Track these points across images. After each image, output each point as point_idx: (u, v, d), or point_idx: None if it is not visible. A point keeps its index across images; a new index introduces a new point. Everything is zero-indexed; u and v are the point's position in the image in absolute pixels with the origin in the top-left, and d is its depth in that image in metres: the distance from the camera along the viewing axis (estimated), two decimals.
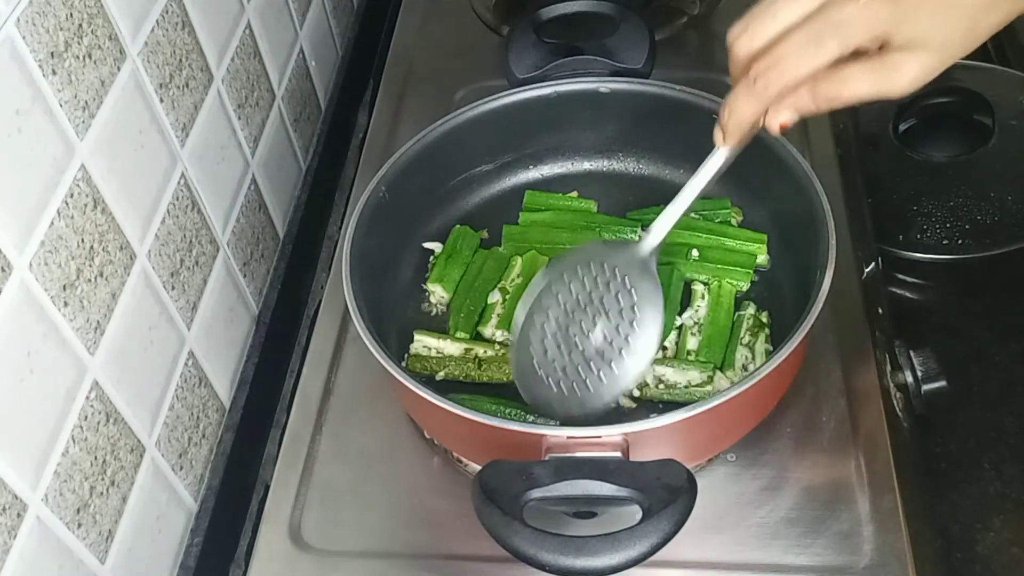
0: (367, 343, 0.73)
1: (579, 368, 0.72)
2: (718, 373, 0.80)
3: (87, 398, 0.68)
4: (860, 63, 0.59)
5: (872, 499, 0.73)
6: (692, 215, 0.90)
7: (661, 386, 0.80)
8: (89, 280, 0.68)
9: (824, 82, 0.60)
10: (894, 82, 0.59)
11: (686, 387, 0.79)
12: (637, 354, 0.71)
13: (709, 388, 0.79)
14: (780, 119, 0.63)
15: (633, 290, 0.73)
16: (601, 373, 0.71)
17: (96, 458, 0.69)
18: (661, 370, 0.80)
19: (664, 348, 0.83)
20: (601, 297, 0.73)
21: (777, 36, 0.60)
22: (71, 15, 0.67)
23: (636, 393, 0.80)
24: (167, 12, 0.80)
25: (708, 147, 0.91)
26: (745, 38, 0.61)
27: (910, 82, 0.60)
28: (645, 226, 0.91)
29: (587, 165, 0.98)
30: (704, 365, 0.80)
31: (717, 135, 0.67)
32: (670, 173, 0.95)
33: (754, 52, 0.61)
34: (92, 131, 0.69)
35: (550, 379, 0.73)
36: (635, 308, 0.72)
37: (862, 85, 0.59)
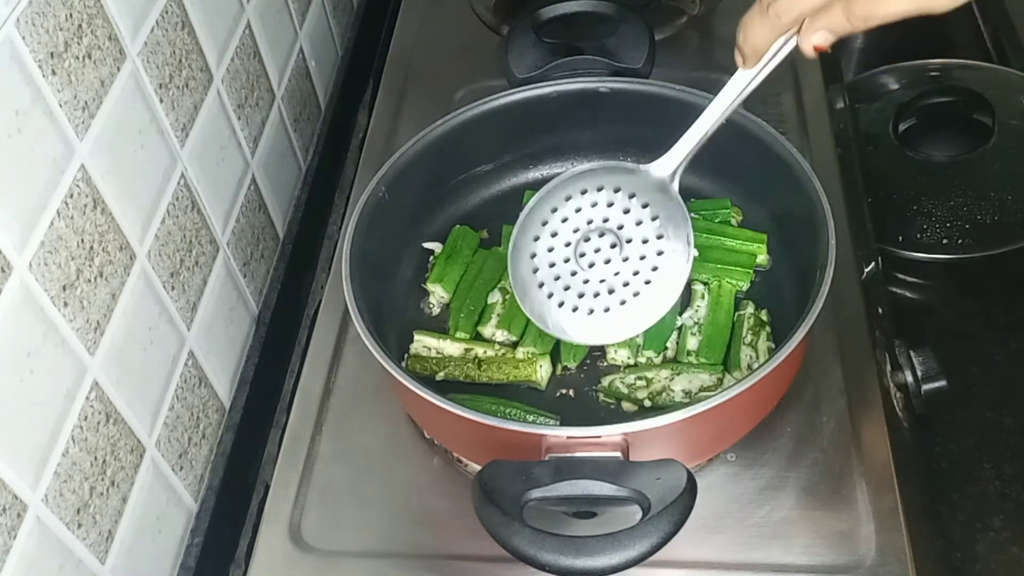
0: (367, 343, 0.73)
1: (597, 294, 0.71)
2: (726, 375, 0.80)
3: (87, 398, 0.68)
4: None
5: (872, 499, 0.73)
6: (692, 215, 0.90)
7: (674, 393, 0.79)
8: (89, 280, 0.68)
9: None
10: None
11: (699, 391, 0.79)
12: (665, 287, 0.70)
13: (715, 389, 0.79)
14: (813, 40, 0.59)
15: (657, 219, 0.71)
16: (624, 303, 0.70)
17: (96, 458, 0.69)
18: (670, 376, 0.80)
19: (665, 348, 0.83)
20: (619, 223, 0.72)
21: None
22: (71, 15, 0.67)
23: (648, 403, 0.80)
24: (167, 12, 0.80)
25: (708, 147, 0.92)
26: None
27: None
28: None
29: (587, 165, 0.97)
30: (713, 368, 0.80)
31: (737, 57, 0.64)
32: None
33: None
34: (92, 131, 0.69)
35: (554, 297, 0.72)
36: (660, 236, 0.71)
37: (901, 3, 0.56)
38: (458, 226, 0.93)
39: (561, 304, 0.73)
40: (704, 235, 0.88)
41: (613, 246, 0.73)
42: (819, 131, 0.98)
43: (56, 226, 0.65)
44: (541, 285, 0.74)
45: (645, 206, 0.72)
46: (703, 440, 0.74)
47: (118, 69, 0.73)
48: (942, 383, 0.80)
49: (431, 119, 0.89)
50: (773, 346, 0.82)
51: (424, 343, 0.84)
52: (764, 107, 0.97)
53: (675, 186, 0.71)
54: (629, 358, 0.82)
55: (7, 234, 0.60)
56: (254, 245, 0.97)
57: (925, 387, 0.80)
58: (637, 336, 0.82)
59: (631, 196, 0.73)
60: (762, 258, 0.87)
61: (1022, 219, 1.04)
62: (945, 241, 1.04)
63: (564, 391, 0.82)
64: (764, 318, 0.83)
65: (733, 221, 0.90)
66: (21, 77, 0.62)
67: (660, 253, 0.72)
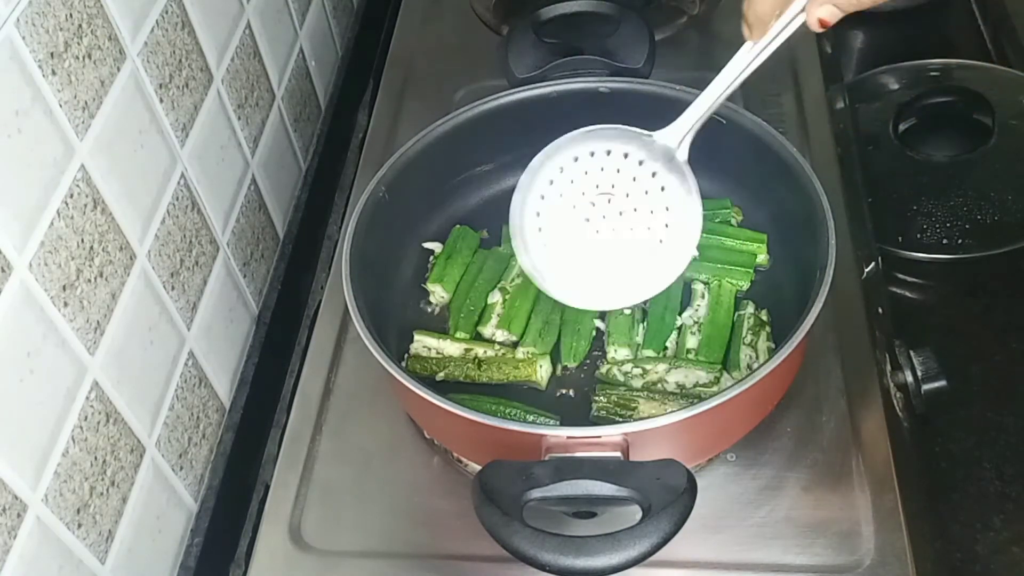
0: (367, 343, 0.73)
1: (600, 259, 0.71)
2: (724, 374, 0.80)
3: (87, 398, 0.68)
4: None
5: (872, 499, 0.73)
6: None
7: (668, 385, 0.80)
8: (89, 280, 0.68)
9: None
10: None
11: (693, 387, 0.79)
12: (669, 259, 0.70)
13: (715, 389, 0.79)
14: (818, 14, 0.59)
15: (665, 189, 0.71)
16: (627, 271, 0.70)
17: (96, 458, 0.69)
18: (667, 370, 0.80)
19: (665, 348, 0.83)
20: (626, 191, 0.71)
21: None
22: (71, 15, 0.67)
23: (643, 392, 0.80)
24: (167, 12, 0.80)
25: (708, 147, 0.92)
26: None
27: None
28: None
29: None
30: (711, 366, 0.80)
31: (744, 29, 0.64)
32: None
33: None
34: (92, 131, 0.69)
35: (556, 257, 0.72)
36: (668, 208, 0.70)
37: None
38: (458, 226, 0.93)
39: (563, 265, 0.72)
40: (704, 235, 0.88)
41: (620, 213, 0.72)
42: (819, 131, 0.98)
43: (56, 226, 0.65)
44: (544, 245, 0.73)
45: (653, 175, 0.72)
46: (703, 440, 0.74)
47: (118, 69, 0.73)
48: (942, 383, 0.80)
49: (431, 119, 0.89)
50: (773, 346, 0.82)
51: (424, 343, 0.84)
52: (764, 107, 0.97)
53: (682, 155, 0.71)
54: (628, 356, 0.82)
55: (7, 234, 0.60)
56: (254, 245, 0.97)
57: (925, 387, 0.80)
58: (636, 336, 0.82)
59: (639, 163, 0.72)
60: (762, 258, 0.87)
61: (1022, 219, 1.04)
62: (945, 241, 1.04)
63: (564, 391, 0.82)
64: (764, 318, 0.83)
65: (733, 221, 0.90)
66: (21, 77, 0.62)
67: (666, 225, 0.71)
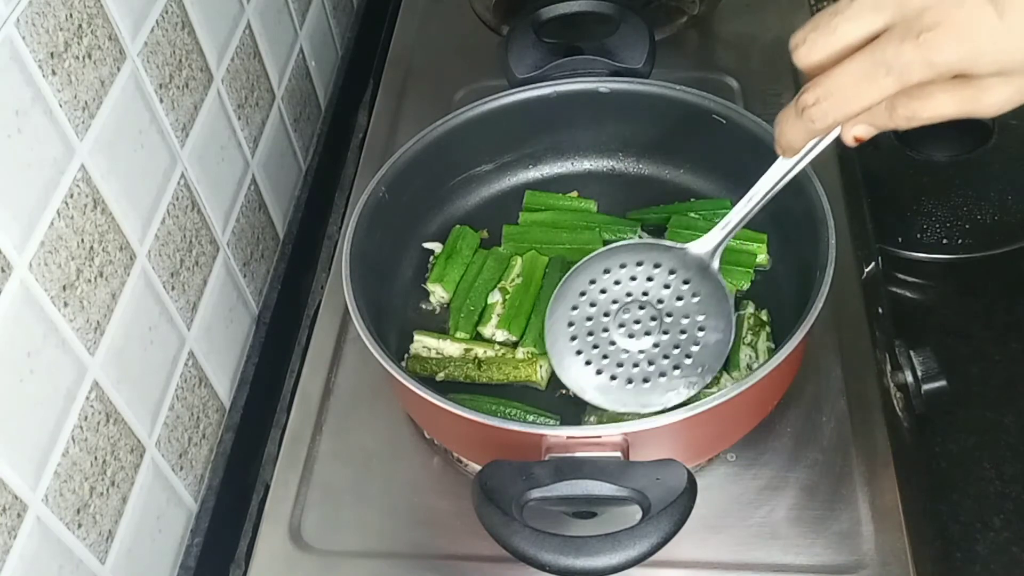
0: (367, 343, 0.73)
1: (636, 364, 0.72)
2: (724, 374, 0.80)
3: (87, 398, 0.68)
4: (941, 83, 0.53)
5: (872, 499, 0.73)
6: (692, 215, 0.90)
7: None
8: (89, 280, 0.68)
9: (904, 99, 0.55)
10: (980, 103, 0.54)
11: None
12: (706, 362, 0.71)
13: (715, 389, 0.78)
14: (854, 132, 0.59)
15: (698, 296, 0.73)
16: (663, 375, 0.71)
17: (96, 458, 0.69)
18: None
19: None
20: (659, 298, 0.73)
21: (837, 55, 0.55)
22: (71, 15, 0.67)
23: None
24: (167, 12, 0.80)
25: (708, 147, 0.92)
26: (803, 50, 0.56)
27: (1001, 104, 0.54)
28: (645, 225, 0.91)
29: (587, 165, 0.98)
30: None
31: (776, 148, 0.63)
32: (670, 173, 0.95)
33: (812, 66, 0.56)
34: (92, 131, 0.69)
35: (591, 365, 0.73)
36: (703, 314, 0.72)
37: (946, 106, 0.54)
38: (458, 226, 0.93)
39: (599, 372, 0.74)
40: (704, 235, 0.88)
41: (653, 319, 0.74)
42: None
43: (56, 226, 0.65)
44: (579, 353, 0.75)
45: (686, 283, 0.74)
46: (703, 440, 0.74)
47: (118, 69, 0.73)
48: (942, 383, 0.80)
49: (431, 119, 0.89)
50: (773, 346, 0.82)
51: (424, 343, 0.84)
52: (764, 107, 0.97)
53: (715, 264, 0.73)
54: None
55: (7, 234, 0.60)
56: (254, 245, 0.97)
57: (925, 387, 0.80)
58: None
59: (671, 272, 0.74)
60: (762, 258, 0.87)
61: (1022, 219, 1.04)
62: (945, 241, 1.04)
63: (564, 391, 0.82)
64: (764, 318, 0.83)
65: None
66: (21, 77, 0.62)
67: (701, 329, 0.73)
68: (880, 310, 0.87)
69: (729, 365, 0.81)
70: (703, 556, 0.72)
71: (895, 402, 0.80)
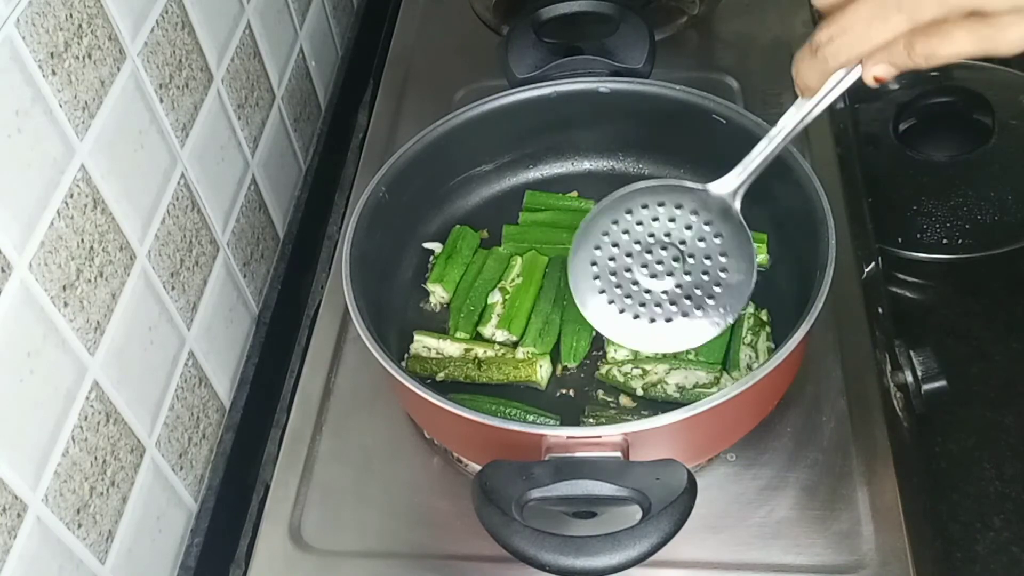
0: (367, 343, 0.73)
1: (658, 304, 0.72)
2: (724, 374, 0.80)
3: (87, 398, 0.68)
4: (960, 21, 0.54)
5: (872, 499, 0.73)
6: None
7: (668, 386, 0.80)
8: (89, 280, 0.69)
9: (922, 37, 0.55)
10: (997, 41, 0.54)
11: (692, 387, 0.79)
12: (728, 302, 0.71)
13: (715, 389, 0.79)
14: (874, 72, 0.58)
15: (720, 236, 0.72)
16: (686, 315, 0.72)
17: (96, 458, 0.69)
18: (667, 371, 0.80)
19: None
20: (682, 239, 0.73)
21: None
22: (71, 15, 0.67)
23: (640, 392, 0.80)
24: (167, 12, 0.80)
25: (708, 147, 0.92)
26: None
27: (1019, 42, 0.53)
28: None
29: (587, 165, 0.98)
30: (711, 366, 0.80)
31: (796, 88, 0.64)
32: (670, 173, 0.95)
33: (828, 5, 0.57)
34: (92, 131, 0.69)
35: (614, 304, 0.74)
36: (724, 254, 0.72)
37: (964, 44, 0.54)
38: (458, 226, 0.93)
39: (622, 311, 0.73)
40: None
41: (676, 260, 0.74)
42: (819, 131, 0.97)
43: (56, 226, 0.65)
44: (601, 292, 0.74)
45: (708, 224, 0.73)
46: (703, 440, 0.74)
47: (118, 69, 0.73)
48: (942, 383, 0.80)
49: (431, 119, 0.89)
50: (773, 346, 0.82)
51: (424, 343, 0.84)
52: (764, 107, 0.97)
53: (736, 205, 0.72)
54: (628, 356, 0.82)
55: (7, 234, 0.60)
56: (254, 245, 0.97)
57: (925, 387, 0.80)
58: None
59: (693, 213, 0.74)
60: (762, 258, 0.87)
61: (1022, 219, 1.04)
62: (945, 241, 1.04)
63: (564, 391, 0.82)
64: (764, 318, 0.83)
65: None
66: (21, 77, 0.62)
67: (723, 270, 0.73)
68: (880, 310, 0.87)
69: (729, 365, 0.81)
70: (703, 556, 0.72)
71: (895, 402, 0.80)
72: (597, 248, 0.75)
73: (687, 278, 0.73)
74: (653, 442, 0.67)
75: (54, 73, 0.65)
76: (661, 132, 0.92)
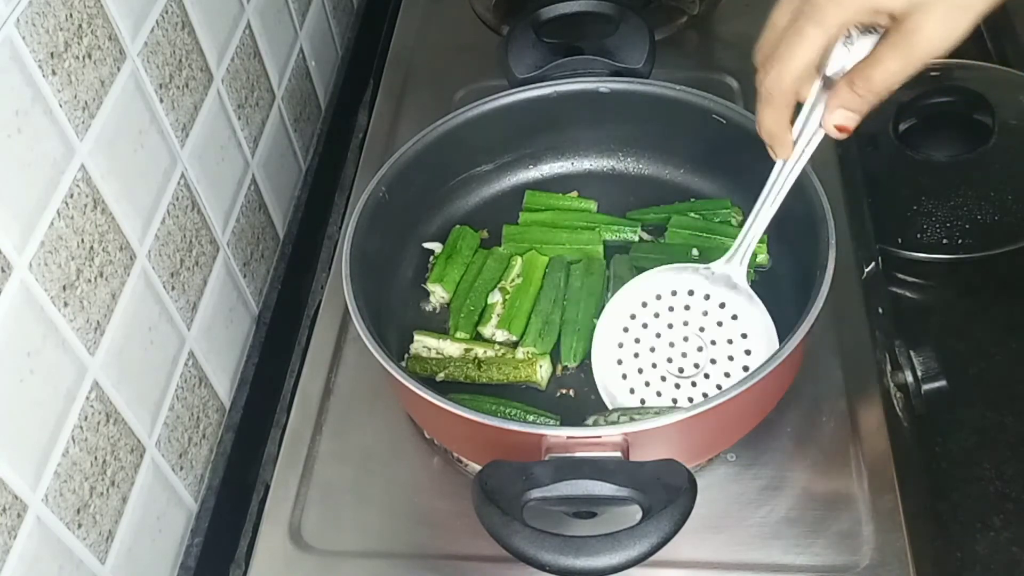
0: (367, 343, 0.73)
1: (690, 399, 0.75)
2: None
3: (87, 398, 0.68)
4: (882, 41, 0.57)
5: (872, 499, 0.73)
6: (692, 215, 0.90)
7: None
8: (89, 280, 0.68)
9: (856, 70, 0.59)
10: (916, 47, 0.56)
11: None
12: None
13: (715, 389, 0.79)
14: (833, 121, 0.62)
15: (737, 317, 0.75)
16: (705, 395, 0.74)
17: (96, 458, 0.69)
18: None
19: None
20: (701, 326, 0.76)
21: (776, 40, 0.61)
22: (71, 15, 0.67)
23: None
24: (167, 12, 0.80)
25: (708, 147, 0.92)
26: (757, 52, 0.62)
27: (936, 40, 0.55)
28: (645, 226, 0.91)
29: (587, 165, 0.98)
30: None
31: (770, 152, 0.68)
32: (670, 173, 0.95)
33: (763, 56, 0.62)
34: (92, 131, 0.69)
35: (635, 392, 0.76)
36: (745, 334, 0.75)
37: (891, 61, 0.57)
38: (458, 226, 0.93)
39: (633, 390, 0.77)
40: (704, 235, 0.88)
41: (699, 349, 0.76)
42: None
43: (56, 226, 0.65)
44: (632, 391, 0.77)
45: (722, 306, 0.76)
46: (703, 440, 0.74)
47: (118, 69, 0.73)
48: (942, 383, 0.80)
49: (431, 119, 0.89)
50: None
51: (424, 343, 0.84)
52: None
53: (742, 278, 0.75)
54: None
55: (7, 234, 0.60)
56: (254, 245, 0.97)
57: (925, 387, 0.80)
58: None
59: (706, 298, 0.76)
60: (762, 258, 0.87)
61: (1022, 219, 1.04)
62: (945, 241, 1.04)
63: (564, 391, 0.82)
64: None
65: (733, 221, 0.90)
66: (21, 77, 0.62)
67: (748, 352, 0.75)
68: (880, 310, 0.87)
69: None
70: (703, 556, 0.72)
71: (895, 402, 0.80)
72: (620, 345, 0.78)
73: (713, 367, 0.76)
74: (653, 442, 0.67)
75: (54, 73, 0.65)
76: (661, 132, 0.92)
